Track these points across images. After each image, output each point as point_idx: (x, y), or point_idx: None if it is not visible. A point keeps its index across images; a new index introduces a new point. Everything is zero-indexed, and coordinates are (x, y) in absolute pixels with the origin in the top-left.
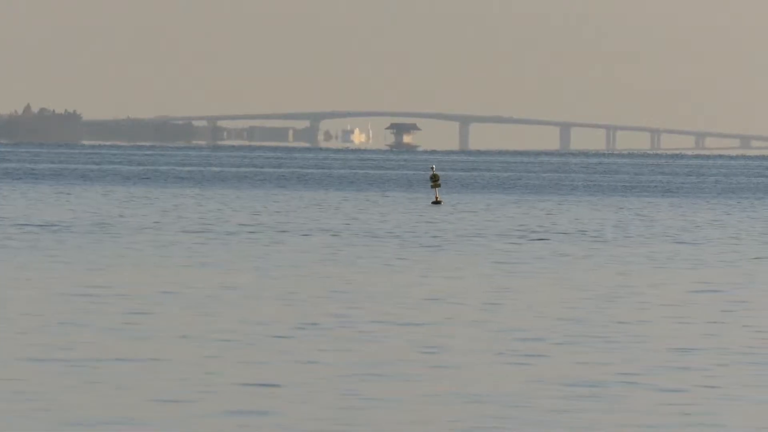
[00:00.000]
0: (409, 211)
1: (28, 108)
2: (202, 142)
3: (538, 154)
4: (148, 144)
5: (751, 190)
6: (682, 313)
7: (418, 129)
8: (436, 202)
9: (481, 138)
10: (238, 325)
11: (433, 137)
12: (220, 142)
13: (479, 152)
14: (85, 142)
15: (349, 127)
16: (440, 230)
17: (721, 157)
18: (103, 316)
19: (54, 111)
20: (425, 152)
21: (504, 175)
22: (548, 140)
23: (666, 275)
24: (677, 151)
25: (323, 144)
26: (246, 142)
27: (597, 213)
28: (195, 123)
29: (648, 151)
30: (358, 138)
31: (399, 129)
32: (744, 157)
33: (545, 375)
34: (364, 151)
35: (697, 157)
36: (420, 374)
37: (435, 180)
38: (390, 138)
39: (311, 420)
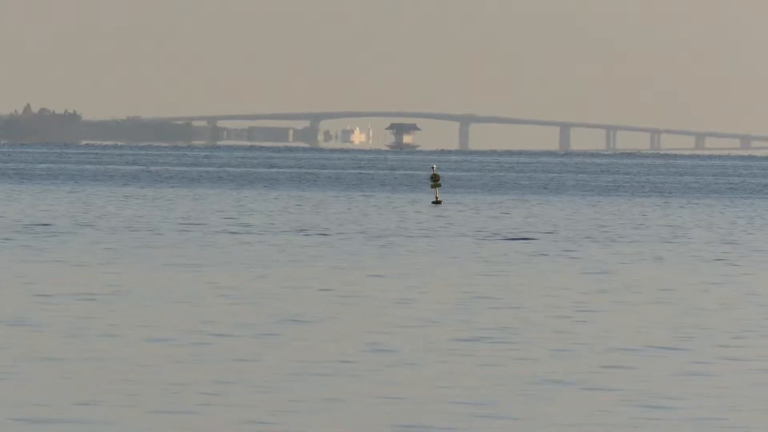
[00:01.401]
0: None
1: (28, 108)
2: (202, 143)
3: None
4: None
5: None
6: None
7: (418, 129)
8: (436, 202)
9: (481, 138)
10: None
11: (433, 137)
12: (219, 142)
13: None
14: (85, 142)
15: (348, 127)
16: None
17: None
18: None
19: (54, 111)
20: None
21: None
22: (548, 140)
23: None
24: (677, 151)
25: (323, 144)
26: (246, 143)
27: None
28: (195, 123)
29: (649, 151)
30: (358, 138)
31: (399, 129)
32: None
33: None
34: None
35: None
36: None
37: (435, 180)
38: (390, 138)
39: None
